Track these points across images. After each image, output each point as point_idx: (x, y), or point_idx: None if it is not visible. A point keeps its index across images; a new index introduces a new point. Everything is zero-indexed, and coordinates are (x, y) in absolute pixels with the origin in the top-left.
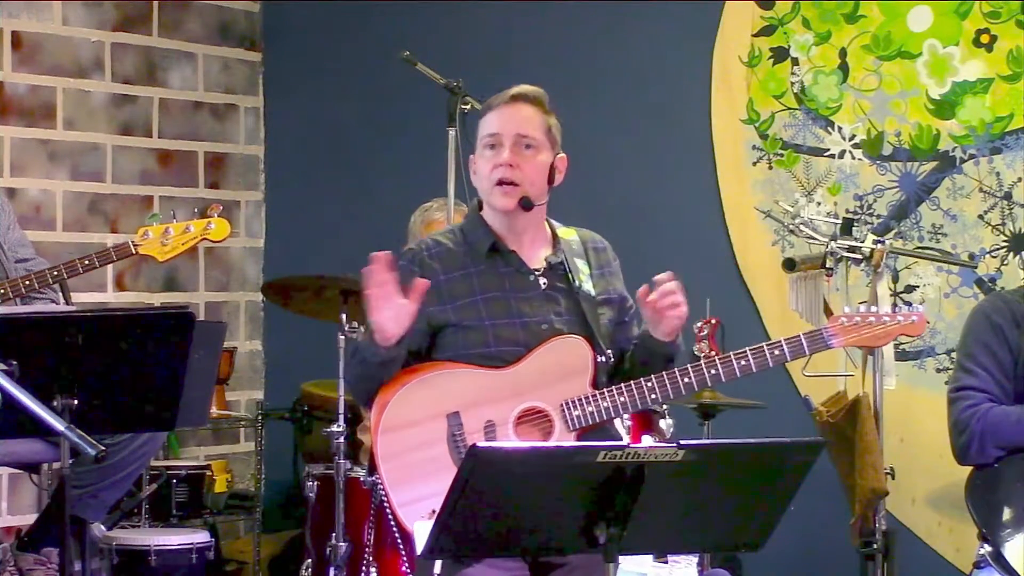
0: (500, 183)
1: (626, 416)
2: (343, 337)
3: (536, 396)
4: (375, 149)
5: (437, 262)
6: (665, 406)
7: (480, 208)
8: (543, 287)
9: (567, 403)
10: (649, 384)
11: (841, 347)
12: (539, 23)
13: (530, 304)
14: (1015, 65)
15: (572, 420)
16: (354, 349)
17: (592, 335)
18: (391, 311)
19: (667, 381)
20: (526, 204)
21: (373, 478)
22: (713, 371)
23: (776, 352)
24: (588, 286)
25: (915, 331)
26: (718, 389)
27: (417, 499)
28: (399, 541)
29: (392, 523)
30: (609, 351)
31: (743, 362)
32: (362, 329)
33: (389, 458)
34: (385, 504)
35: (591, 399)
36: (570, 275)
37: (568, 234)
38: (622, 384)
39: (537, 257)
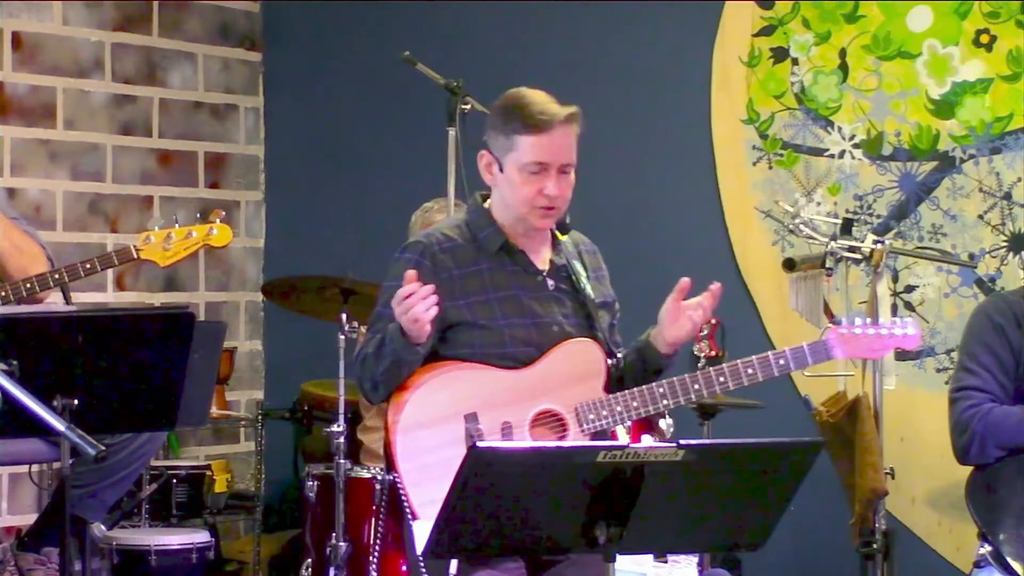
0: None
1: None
2: (343, 337)
3: (551, 398)
4: (375, 149)
5: (448, 256)
6: None
7: (484, 201)
8: (551, 288)
9: (581, 406)
10: (661, 390)
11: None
12: (539, 23)
13: (540, 304)
14: (1015, 65)
15: (587, 423)
16: (376, 350)
17: (599, 338)
18: (431, 307)
19: (678, 386)
20: (563, 230)
21: (392, 476)
22: (722, 379)
23: (781, 362)
24: (588, 289)
25: (910, 344)
26: None
27: (435, 500)
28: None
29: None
30: (619, 354)
31: (750, 371)
32: (362, 330)
33: (409, 458)
34: (404, 504)
35: (605, 403)
36: (573, 277)
37: (562, 236)
38: (634, 388)
39: (542, 257)
